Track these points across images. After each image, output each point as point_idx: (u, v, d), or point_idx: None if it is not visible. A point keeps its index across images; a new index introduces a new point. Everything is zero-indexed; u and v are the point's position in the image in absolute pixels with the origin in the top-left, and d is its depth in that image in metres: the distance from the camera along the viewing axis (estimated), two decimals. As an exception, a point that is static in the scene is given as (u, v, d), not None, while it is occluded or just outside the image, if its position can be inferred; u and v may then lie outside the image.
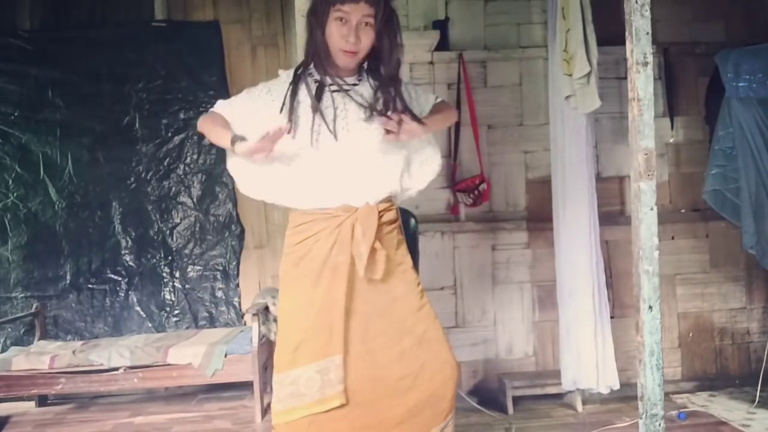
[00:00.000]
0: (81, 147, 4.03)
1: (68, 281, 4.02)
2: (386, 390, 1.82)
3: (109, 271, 4.05)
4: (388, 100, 1.86)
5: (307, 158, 1.84)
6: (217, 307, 4.10)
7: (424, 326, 1.88)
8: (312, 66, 1.88)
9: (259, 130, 1.74)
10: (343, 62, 1.84)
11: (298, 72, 1.88)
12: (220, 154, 4.11)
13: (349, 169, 1.86)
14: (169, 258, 4.09)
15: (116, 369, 3.41)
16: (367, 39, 1.81)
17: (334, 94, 1.85)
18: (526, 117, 3.74)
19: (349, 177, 1.86)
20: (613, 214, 3.70)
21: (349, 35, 1.78)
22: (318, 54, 1.84)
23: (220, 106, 1.93)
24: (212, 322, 4.08)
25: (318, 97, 1.83)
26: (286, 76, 1.91)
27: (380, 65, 1.88)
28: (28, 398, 3.74)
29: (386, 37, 1.84)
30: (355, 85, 1.89)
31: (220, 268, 4.10)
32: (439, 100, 2.10)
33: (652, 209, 1.94)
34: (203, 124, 1.93)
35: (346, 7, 1.77)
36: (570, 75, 3.01)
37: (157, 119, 4.07)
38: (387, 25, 1.84)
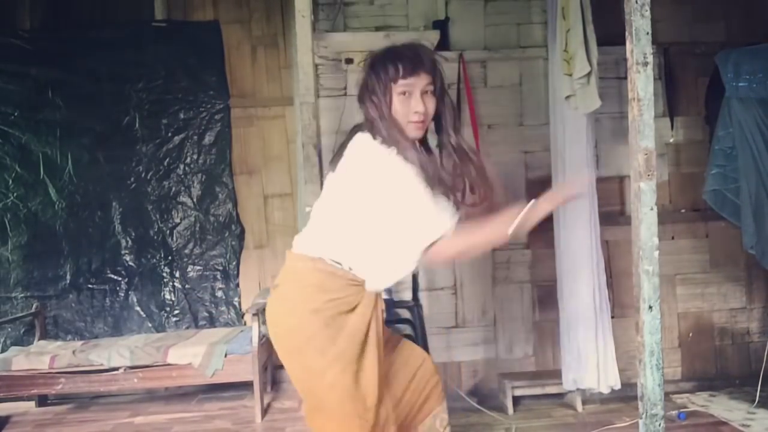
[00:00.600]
0: (81, 147, 4.02)
1: (68, 281, 4.02)
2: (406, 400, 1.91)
3: (109, 271, 4.05)
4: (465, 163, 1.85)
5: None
6: (217, 307, 4.10)
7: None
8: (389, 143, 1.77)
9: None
10: (414, 134, 1.80)
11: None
12: (220, 154, 4.13)
13: None
14: (169, 258, 4.08)
15: (116, 369, 3.41)
16: (430, 107, 1.80)
17: None
18: (526, 117, 3.74)
19: None
20: (613, 214, 3.70)
21: (417, 106, 1.77)
22: (396, 129, 1.76)
23: (441, 224, 1.74)
24: (212, 322, 4.08)
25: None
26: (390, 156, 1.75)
27: (443, 132, 1.86)
28: (28, 398, 3.73)
29: (445, 102, 1.85)
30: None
31: (220, 268, 4.10)
32: None
33: (652, 209, 1.94)
34: (466, 247, 1.81)
35: (410, 80, 1.76)
36: (570, 75, 3.01)
37: (157, 119, 4.07)
38: (443, 90, 1.85)
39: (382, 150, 1.74)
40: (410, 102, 1.77)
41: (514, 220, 1.72)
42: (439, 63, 1.84)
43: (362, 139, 1.78)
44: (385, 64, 1.78)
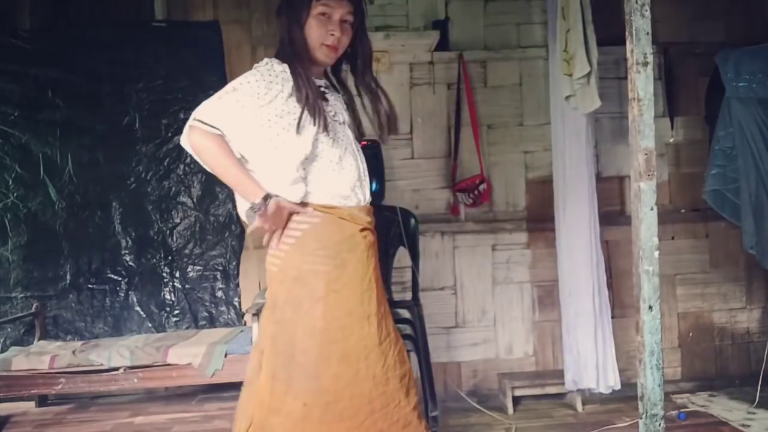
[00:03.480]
0: (81, 147, 4.02)
1: (68, 281, 4.02)
2: (393, 392, 1.82)
3: (109, 271, 4.04)
4: (376, 103, 1.92)
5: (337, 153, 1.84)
6: (217, 307, 4.10)
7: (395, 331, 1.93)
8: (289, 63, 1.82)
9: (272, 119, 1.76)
10: (324, 58, 1.85)
11: (296, 69, 1.81)
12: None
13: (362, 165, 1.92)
14: (169, 258, 4.08)
15: (116, 369, 3.41)
16: (346, 37, 1.84)
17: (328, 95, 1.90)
18: (526, 117, 3.74)
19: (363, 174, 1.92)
20: (613, 214, 3.70)
21: (334, 30, 1.81)
22: (298, 50, 1.82)
23: (221, 122, 1.76)
24: (212, 322, 4.07)
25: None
26: (279, 68, 1.80)
27: (358, 71, 1.92)
28: (28, 398, 3.73)
29: (361, 37, 1.89)
30: (326, 88, 1.92)
31: (220, 268, 4.10)
32: None
33: (652, 209, 1.94)
34: (208, 154, 1.82)
35: (332, 2, 1.80)
36: (570, 75, 3.01)
37: (157, 119, 4.07)
38: (362, 25, 1.89)
39: (270, 62, 1.79)
40: (327, 25, 1.80)
41: (262, 207, 1.74)
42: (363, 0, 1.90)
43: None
44: None
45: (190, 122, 1.79)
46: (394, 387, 1.80)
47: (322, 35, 1.81)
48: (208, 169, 1.86)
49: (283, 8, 1.84)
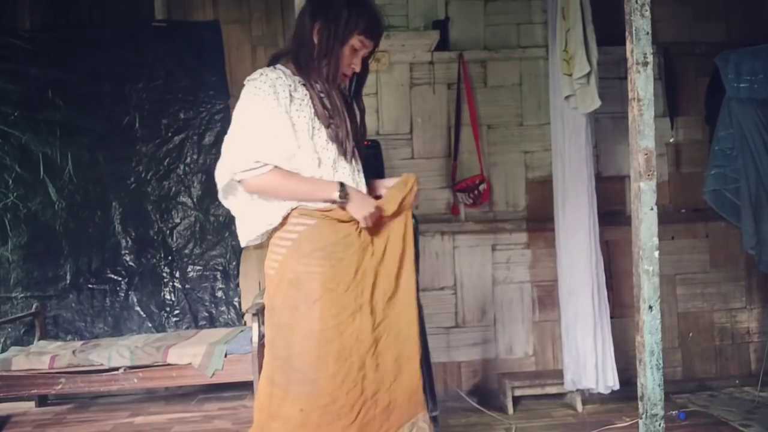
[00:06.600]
0: (81, 147, 4.02)
1: (68, 281, 4.02)
2: (383, 376, 1.84)
3: (109, 271, 4.05)
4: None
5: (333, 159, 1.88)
6: (217, 307, 4.10)
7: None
8: (301, 68, 1.86)
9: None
10: (338, 81, 1.92)
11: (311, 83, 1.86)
12: (220, 154, 4.12)
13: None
14: (169, 258, 4.08)
15: (116, 369, 3.41)
16: (358, 69, 1.93)
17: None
18: (526, 117, 3.74)
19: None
20: (613, 214, 3.70)
21: (358, 65, 1.90)
22: (328, 63, 1.85)
23: (269, 158, 1.78)
24: (212, 322, 4.08)
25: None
26: (273, 75, 1.83)
27: (358, 94, 2.02)
28: (28, 398, 3.73)
29: (368, 69, 1.99)
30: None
31: (220, 268, 4.10)
32: None
33: (652, 209, 1.94)
34: (276, 192, 1.82)
35: (368, 42, 1.88)
36: (570, 75, 3.01)
37: (157, 119, 4.07)
38: (370, 55, 1.98)
39: (263, 72, 1.82)
40: (355, 58, 1.89)
41: (346, 193, 1.79)
42: None
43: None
44: (362, 14, 1.86)
45: (236, 178, 1.84)
46: (384, 371, 1.83)
47: (346, 66, 1.89)
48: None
49: (330, 20, 1.84)
